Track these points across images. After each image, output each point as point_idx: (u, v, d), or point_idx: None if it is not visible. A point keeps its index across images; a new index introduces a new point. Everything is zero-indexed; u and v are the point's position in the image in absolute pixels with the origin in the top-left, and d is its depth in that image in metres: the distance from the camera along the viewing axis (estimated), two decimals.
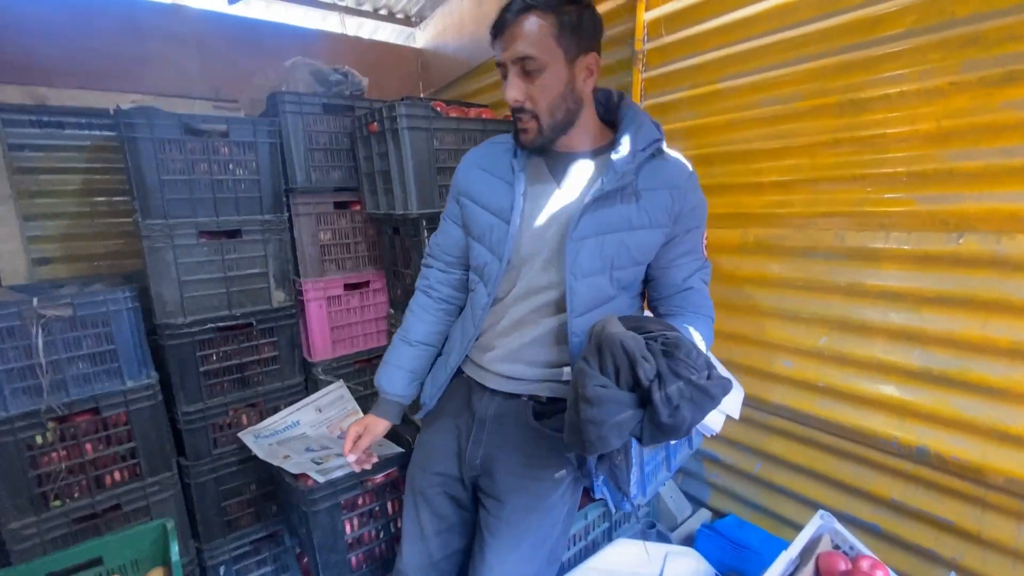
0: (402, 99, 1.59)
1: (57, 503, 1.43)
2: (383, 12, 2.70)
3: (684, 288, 1.01)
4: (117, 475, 1.54)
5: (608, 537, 1.43)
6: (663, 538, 1.44)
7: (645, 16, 1.73)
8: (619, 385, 0.70)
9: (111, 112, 1.62)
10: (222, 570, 1.77)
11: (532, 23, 0.84)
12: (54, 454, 1.42)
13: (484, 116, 1.84)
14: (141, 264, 1.76)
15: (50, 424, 1.41)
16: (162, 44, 1.94)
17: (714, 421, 1.33)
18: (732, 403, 1.37)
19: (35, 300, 1.36)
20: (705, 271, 1.05)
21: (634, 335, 0.71)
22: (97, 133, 1.82)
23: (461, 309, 1.17)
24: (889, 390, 1.28)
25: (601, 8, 1.82)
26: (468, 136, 1.75)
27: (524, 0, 0.84)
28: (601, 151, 0.97)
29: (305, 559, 1.62)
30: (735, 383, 1.43)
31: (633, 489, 1.33)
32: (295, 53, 2.12)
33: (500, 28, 0.87)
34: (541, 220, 0.96)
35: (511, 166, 0.98)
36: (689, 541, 1.57)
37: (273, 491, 1.83)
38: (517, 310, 1.00)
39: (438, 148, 1.64)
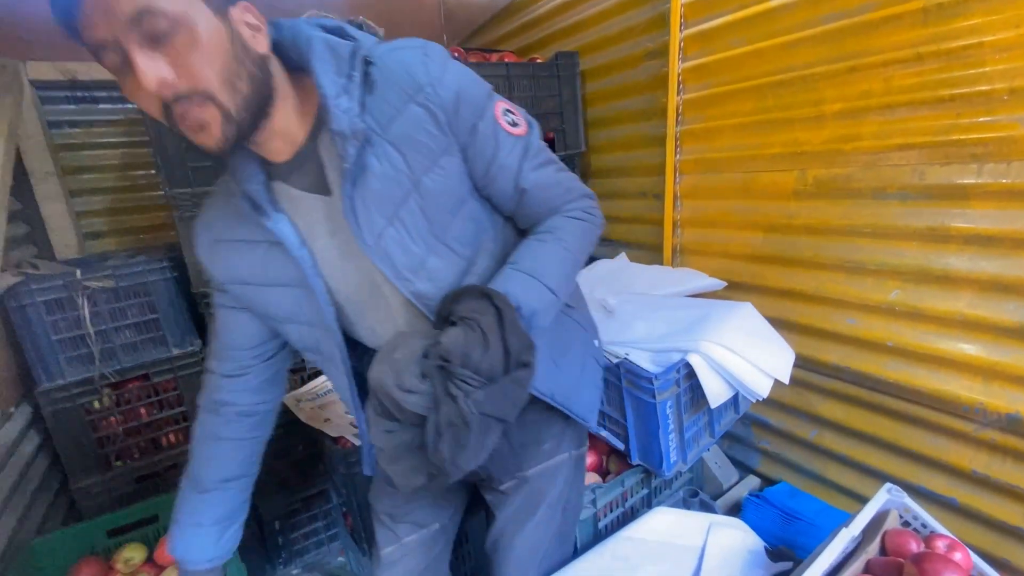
0: None
1: (119, 463, 1.53)
2: None
3: (519, 193, 0.74)
4: (172, 437, 1.62)
5: (647, 504, 1.37)
6: (706, 507, 1.36)
7: None
8: (404, 423, 0.62)
9: None
10: (277, 524, 1.86)
11: None
12: (112, 419, 1.51)
13: (507, 60, 1.71)
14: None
15: (105, 390, 1.49)
16: None
17: (760, 385, 1.22)
18: (780, 367, 1.25)
19: (78, 272, 1.41)
20: (535, 154, 0.74)
21: (401, 355, 0.62)
22: (129, 106, 1.84)
23: (274, 412, 0.91)
24: (974, 349, 1.11)
25: None
26: (491, 83, 1.62)
27: None
28: (319, 124, 0.66)
29: (349, 518, 1.67)
30: (783, 343, 1.31)
31: (673, 455, 1.26)
32: (312, 4, 2.04)
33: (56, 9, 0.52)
34: (330, 248, 0.70)
35: (256, 212, 0.66)
36: (736, 510, 1.48)
37: (319, 452, 1.89)
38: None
39: None
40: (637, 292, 1.55)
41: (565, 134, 1.87)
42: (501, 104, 0.72)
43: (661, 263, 1.78)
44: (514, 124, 0.72)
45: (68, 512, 1.52)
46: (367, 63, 0.63)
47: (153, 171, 1.92)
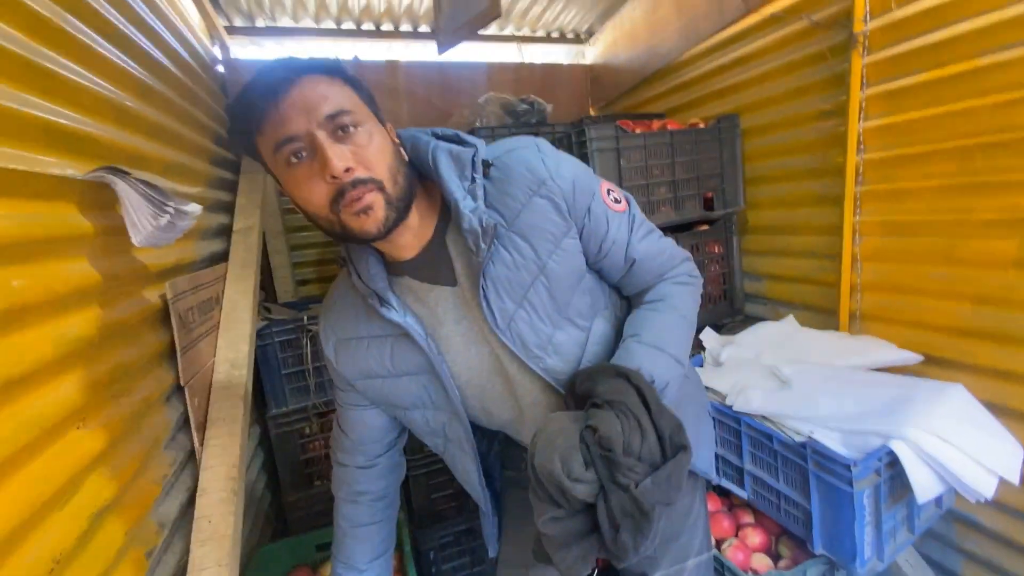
0: (583, 120, 1.62)
1: (318, 482, 1.78)
2: (555, 35, 2.78)
3: (628, 265, 0.80)
4: None
5: None
6: None
7: None
8: (571, 508, 0.62)
9: None
10: (431, 555, 2.00)
11: (326, 81, 0.64)
12: (317, 443, 1.77)
13: (669, 127, 1.77)
14: None
15: (314, 418, 1.76)
16: (382, 97, 2.26)
17: (982, 483, 1.08)
18: (1007, 464, 1.10)
19: (305, 317, 1.71)
20: (638, 226, 0.80)
21: (564, 442, 0.62)
22: None
23: (399, 489, 0.99)
24: None
25: None
26: (655, 150, 1.70)
27: (299, 64, 0.63)
28: (443, 222, 0.74)
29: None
30: (1012, 440, 1.15)
31: (868, 550, 1.15)
32: (480, 86, 2.31)
33: (275, 93, 0.61)
34: (455, 335, 0.76)
35: (384, 308, 0.73)
36: None
37: None
38: (514, 428, 0.85)
39: (625, 167, 1.63)
40: (815, 361, 1.47)
41: (724, 192, 1.87)
42: (604, 185, 0.79)
43: (835, 328, 1.66)
44: (617, 201, 0.79)
45: (276, 522, 1.79)
46: (487, 165, 0.72)
47: None
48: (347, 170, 0.61)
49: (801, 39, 1.67)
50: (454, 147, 0.72)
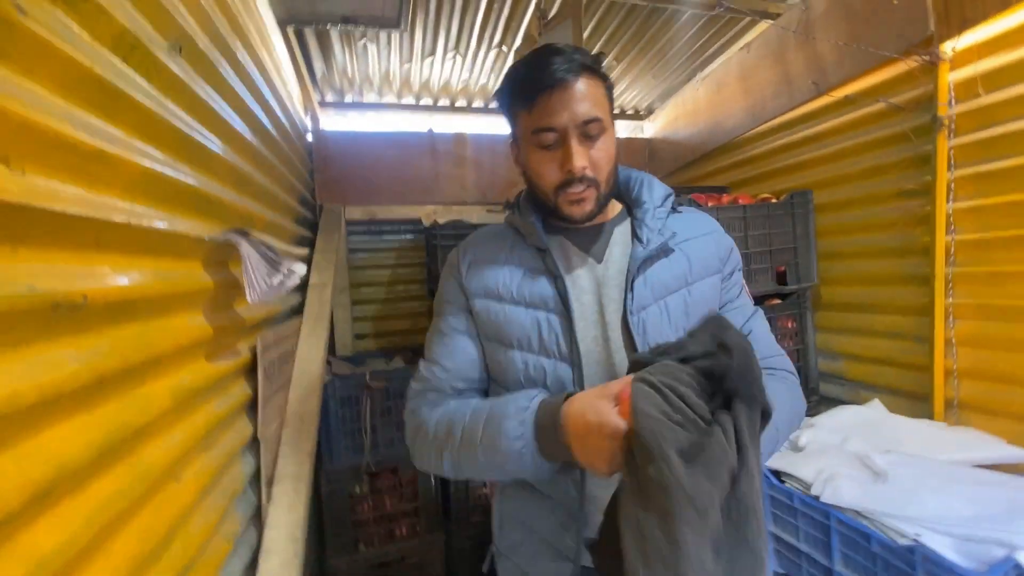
0: None
1: (363, 548, 1.71)
2: (616, 112, 2.91)
3: (746, 333, 0.85)
4: (404, 529, 1.78)
5: None
6: None
7: (950, 77, 1.49)
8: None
9: (420, 222, 2.04)
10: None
11: (592, 85, 0.75)
12: (365, 504, 1.72)
13: (741, 202, 1.77)
14: (420, 341, 2.12)
15: (365, 478, 1.72)
16: (450, 165, 2.41)
17: None
18: None
19: (368, 375, 1.72)
20: (759, 315, 0.91)
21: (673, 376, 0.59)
22: (404, 237, 2.31)
23: None
24: None
25: (887, 73, 1.67)
26: (728, 223, 1.69)
27: (580, 61, 0.73)
28: (619, 220, 0.87)
29: None
30: None
31: None
32: None
33: (554, 87, 0.72)
34: (590, 303, 0.81)
35: (530, 249, 0.83)
36: None
37: None
38: None
39: None
40: (911, 452, 1.34)
41: (798, 267, 1.82)
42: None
43: (929, 416, 1.53)
44: (745, 288, 0.93)
45: None
46: (676, 205, 0.88)
47: (412, 286, 2.33)
48: (583, 167, 0.74)
49: (879, 120, 1.68)
50: (657, 180, 0.89)
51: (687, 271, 0.82)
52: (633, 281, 0.79)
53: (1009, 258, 1.37)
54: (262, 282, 0.83)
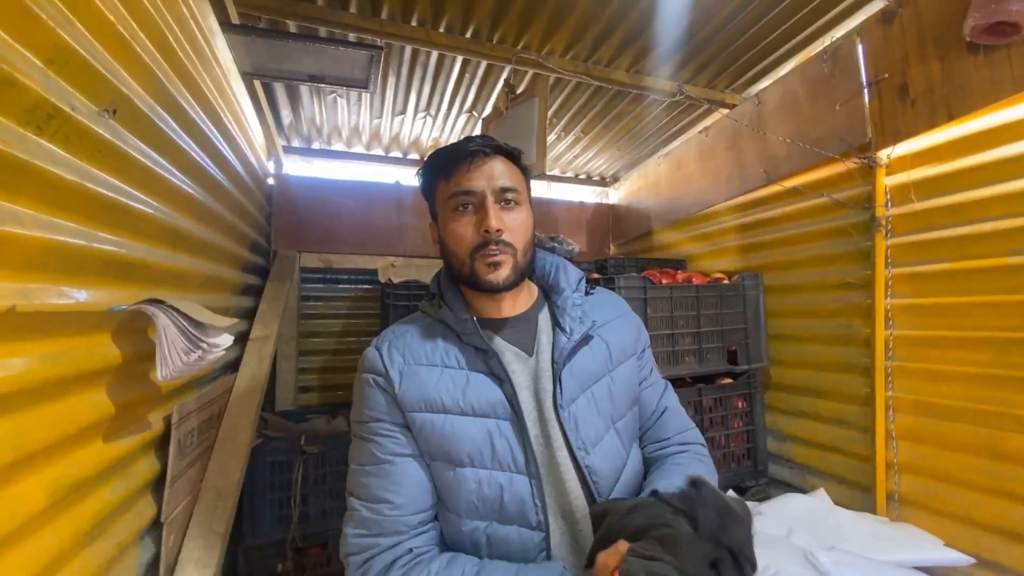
0: (607, 261, 1.66)
1: None
2: (582, 177, 3.00)
3: (660, 411, 0.91)
4: None
5: None
6: None
7: (887, 181, 1.59)
8: None
9: (377, 273, 1.99)
10: None
11: (508, 164, 0.79)
12: None
13: (695, 281, 1.81)
14: None
15: (290, 554, 1.58)
16: (415, 217, 2.40)
17: None
18: None
19: (303, 438, 1.61)
20: (669, 388, 0.95)
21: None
22: (360, 287, 2.25)
23: None
24: None
25: (831, 170, 1.77)
26: (680, 302, 1.72)
27: (496, 144, 0.79)
28: (539, 306, 0.86)
29: None
30: None
31: None
32: None
33: (471, 157, 0.76)
34: (528, 401, 0.76)
35: (466, 348, 0.77)
36: None
37: None
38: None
39: (651, 315, 1.63)
40: (852, 550, 1.33)
41: (748, 348, 1.85)
42: None
43: (872, 509, 1.54)
44: (653, 363, 0.96)
45: None
46: (589, 287, 0.89)
47: (364, 338, 2.25)
48: (498, 230, 0.74)
49: (825, 212, 1.77)
50: (570, 264, 0.90)
51: (608, 358, 0.84)
52: (560, 373, 0.77)
53: (943, 357, 1.42)
54: (177, 359, 0.76)
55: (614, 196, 3.07)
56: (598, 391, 0.80)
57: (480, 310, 0.81)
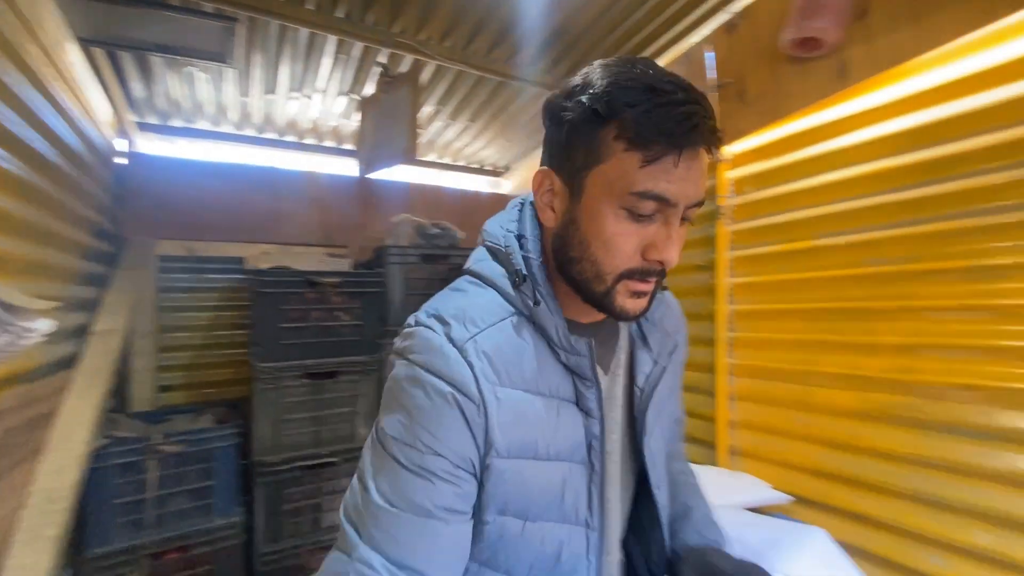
0: None
1: None
2: (474, 166, 3.03)
3: (681, 421, 0.84)
4: None
5: None
6: None
7: (728, 175, 1.80)
8: None
9: (248, 261, 1.88)
10: None
11: (705, 160, 0.55)
12: None
13: None
14: (242, 393, 1.91)
15: (143, 560, 1.45)
16: (290, 203, 2.28)
17: None
18: None
19: (160, 436, 1.48)
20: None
21: None
22: (231, 277, 2.10)
23: None
24: None
25: None
26: None
27: (718, 131, 0.53)
28: None
29: None
30: None
31: None
32: (398, 204, 2.40)
33: (691, 147, 0.51)
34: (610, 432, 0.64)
35: (557, 367, 0.58)
36: None
37: None
38: None
39: None
40: None
41: None
42: None
43: (715, 462, 1.74)
44: None
45: None
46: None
47: (236, 331, 2.10)
48: (674, 260, 0.54)
49: None
50: None
51: (675, 384, 0.72)
52: (647, 407, 0.64)
53: (770, 327, 1.64)
54: None
55: (506, 186, 3.14)
56: (664, 422, 0.69)
57: (566, 307, 0.60)
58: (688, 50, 1.96)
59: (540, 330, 0.58)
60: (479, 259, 0.63)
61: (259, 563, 1.64)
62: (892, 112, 1.34)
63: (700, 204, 0.55)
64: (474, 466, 0.54)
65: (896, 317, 1.32)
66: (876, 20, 1.33)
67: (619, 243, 0.54)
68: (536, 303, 0.57)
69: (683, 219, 0.55)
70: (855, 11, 1.36)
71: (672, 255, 0.54)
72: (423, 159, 2.84)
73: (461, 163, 2.99)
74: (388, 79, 1.76)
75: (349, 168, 2.49)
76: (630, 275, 0.55)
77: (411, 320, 0.59)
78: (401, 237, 2.01)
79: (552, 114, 0.58)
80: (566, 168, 0.56)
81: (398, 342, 0.58)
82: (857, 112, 1.42)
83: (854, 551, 1.29)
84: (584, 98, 0.53)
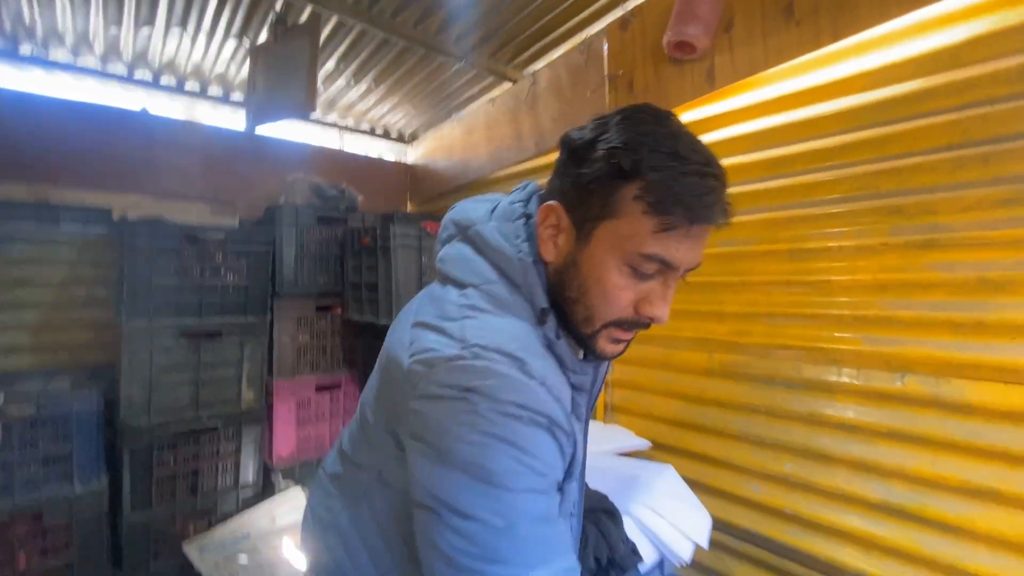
0: (392, 216, 1.71)
1: None
2: (379, 132, 2.96)
3: None
4: None
5: None
6: None
7: None
8: None
9: (115, 213, 1.70)
10: None
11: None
12: None
13: None
14: (107, 357, 1.75)
15: None
16: (170, 153, 2.07)
17: (683, 549, 1.33)
18: (701, 532, 1.38)
19: (1, 398, 1.33)
20: None
21: None
22: (91, 230, 1.87)
23: None
24: (854, 521, 1.31)
25: None
26: None
27: (729, 207, 0.57)
28: None
29: None
30: (703, 508, 1.46)
31: None
32: (294, 165, 2.29)
33: (705, 222, 0.56)
34: None
35: (572, 381, 0.63)
36: None
37: None
38: None
39: (426, 264, 1.75)
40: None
41: None
42: None
43: (594, 417, 1.94)
44: None
45: None
46: None
47: (97, 289, 1.89)
48: (664, 319, 0.60)
49: None
50: None
51: None
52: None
53: None
54: None
55: (412, 155, 3.11)
56: None
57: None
58: (588, 39, 2.08)
59: (553, 355, 0.61)
60: (489, 280, 0.62)
61: (127, 531, 1.54)
62: (747, 115, 1.56)
63: (697, 267, 0.60)
64: (560, 489, 0.58)
65: (738, 290, 1.56)
66: (737, 34, 1.53)
67: (617, 296, 0.58)
68: (557, 335, 0.61)
69: (679, 280, 0.61)
70: (722, 23, 1.56)
71: (664, 314, 0.59)
72: (323, 120, 2.72)
73: (365, 127, 2.90)
74: (283, 28, 1.67)
75: (238, 121, 2.31)
76: (618, 324, 0.60)
77: (464, 352, 0.55)
78: (296, 196, 1.93)
79: (574, 153, 0.59)
80: (578, 212, 0.59)
81: (450, 376, 0.54)
82: (721, 113, 1.63)
83: (695, 484, 1.53)
84: (609, 150, 0.55)
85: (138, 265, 1.53)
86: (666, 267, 0.57)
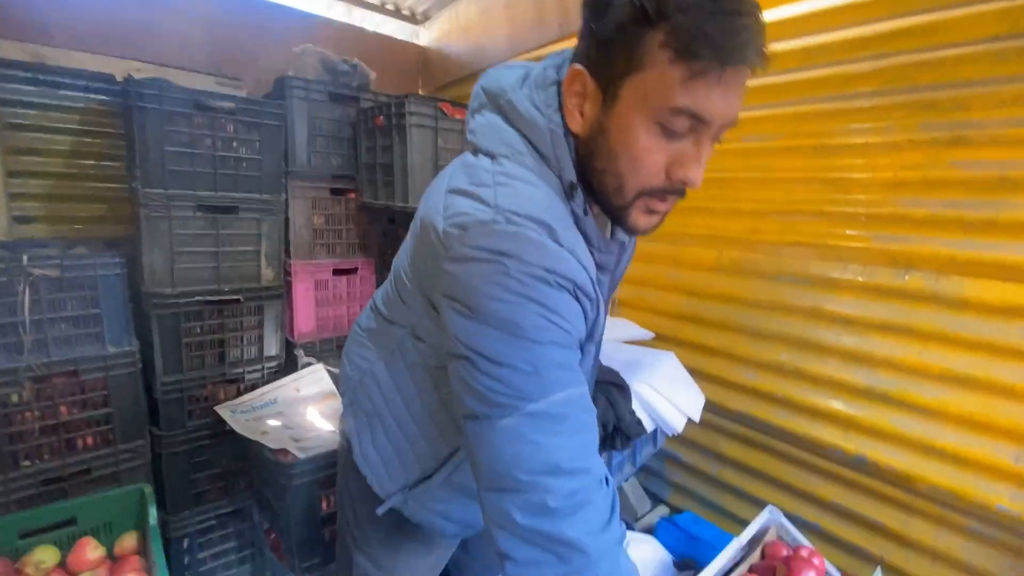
0: (407, 96, 1.65)
1: (27, 464, 1.41)
2: (389, 7, 2.74)
3: None
4: (90, 440, 1.53)
5: None
6: (625, 526, 1.54)
7: None
8: None
9: (118, 79, 1.62)
10: (185, 543, 1.77)
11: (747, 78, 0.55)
12: (28, 413, 1.41)
13: None
14: (123, 231, 1.78)
15: (27, 383, 1.40)
16: (169, 16, 1.93)
17: (676, 421, 1.45)
18: (694, 407, 1.50)
19: (25, 258, 1.35)
20: None
21: None
22: (94, 96, 1.79)
23: None
24: (838, 404, 1.42)
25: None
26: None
27: (766, 48, 0.53)
28: None
29: (274, 535, 1.64)
30: (697, 389, 1.57)
31: None
32: (299, 38, 2.15)
33: (739, 64, 0.51)
34: None
35: (597, 260, 0.66)
36: (648, 533, 1.67)
37: (243, 467, 1.84)
38: None
39: (441, 147, 1.71)
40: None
41: None
42: None
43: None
44: None
45: None
46: None
47: (106, 163, 1.86)
48: (699, 182, 0.56)
49: None
50: None
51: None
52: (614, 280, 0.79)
53: None
54: None
55: (424, 37, 2.91)
56: None
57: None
58: None
59: (582, 233, 0.62)
60: (519, 151, 0.62)
61: (161, 391, 1.65)
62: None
63: (734, 125, 0.55)
64: (580, 347, 0.61)
65: (756, 187, 1.56)
66: None
67: (647, 160, 0.55)
68: (585, 213, 0.61)
69: (715, 141, 0.57)
70: None
71: (698, 177, 0.56)
72: None
73: (375, 1, 2.69)
74: None
75: None
76: (651, 193, 0.58)
77: (498, 217, 0.56)
78: (305, 70, 1.84)
79: (595, 5, 0.55)
80: (603, 72, 0.56)
81: (483, 239, 0.55)
82: None
83: (695, 372, 1.64)
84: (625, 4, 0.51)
85: (148, 129, 1.49)
86: (698, 122, 0.53)
